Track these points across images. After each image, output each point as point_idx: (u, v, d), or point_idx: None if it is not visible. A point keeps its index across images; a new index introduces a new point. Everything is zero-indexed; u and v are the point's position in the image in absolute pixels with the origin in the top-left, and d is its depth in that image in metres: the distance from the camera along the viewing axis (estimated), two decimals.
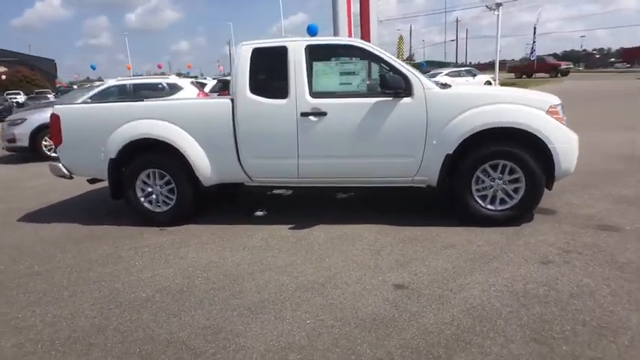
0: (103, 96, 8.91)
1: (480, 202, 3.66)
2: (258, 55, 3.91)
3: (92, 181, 4.72)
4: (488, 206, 3.66)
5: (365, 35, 27.09)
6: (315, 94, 3.75)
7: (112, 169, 4.14)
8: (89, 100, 8.64)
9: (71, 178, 4.50)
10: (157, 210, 4.21)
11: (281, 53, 3.86)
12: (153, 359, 2.16)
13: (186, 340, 2.29)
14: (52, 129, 4.36)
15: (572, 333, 2.15)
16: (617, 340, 2.07)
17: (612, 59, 63.30)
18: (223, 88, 12.43)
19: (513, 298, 2.51)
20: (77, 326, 2.49)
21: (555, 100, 3.62)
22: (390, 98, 3.63)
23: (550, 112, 3.52)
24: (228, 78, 12.78)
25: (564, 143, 3.47)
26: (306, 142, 3.78)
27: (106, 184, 4.31)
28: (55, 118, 4.27)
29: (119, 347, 2.27)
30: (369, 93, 3.76)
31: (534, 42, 31.23)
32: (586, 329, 2.17)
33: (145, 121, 4.06)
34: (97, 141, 4.15)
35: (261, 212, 4.47)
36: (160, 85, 9.89)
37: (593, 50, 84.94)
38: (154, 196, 4.19)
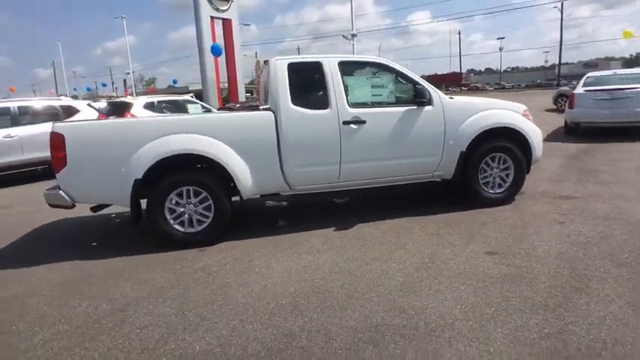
0: None
1: (485, 188, 4.59)
2: (293, 69, 4.10)
3: (96, 208, 4.07)
4: (490, 191, 4.61)
5: (230, 61, 27.15)
6: (352, 105, 4.15)
7: (136, 191, 3.73)
8: None
9: (73, 207, 3.82)
10: (190, 230, 3.92)
11: (316, 68, 4.16)
12: (380, 344, 2.29)
13: (382, 323, 2.46)
14: (52, 150, 3.66)
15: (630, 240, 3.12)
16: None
17: None
18: (115, 110, 11.20)
19: (580, 243, 3.43)
20: (259, 339, 2.38)
21: (524, 106, 4.83)
22: (415, 107, 4.29)
23: (524, 114, 4.70)
24: (118, 100, 11.61)
25: (536, 137, 4.66)
26: (348, 148, 4.13)
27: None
28: (56, 137, 3.62)
29: (335, 344, 2.30)
30: (397, 103, 4.35)
31: None
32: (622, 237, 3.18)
33: (180, 136, 3.80)
34: (115, 161, 3.70)
35: (284, 222, 4.56)
36: (50, 108, 8.48)
37: None
38: (186, 216, 3.90)
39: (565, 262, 3.14)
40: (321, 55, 4.27)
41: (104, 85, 58.33)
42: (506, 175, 4.62)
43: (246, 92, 29.05)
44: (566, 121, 9.34)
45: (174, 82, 48.91)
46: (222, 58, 25.12)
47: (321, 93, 4.12)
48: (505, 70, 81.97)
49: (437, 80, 62.91)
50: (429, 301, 2.68)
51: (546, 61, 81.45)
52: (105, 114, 11.00)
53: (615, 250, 3.30)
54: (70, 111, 8.70)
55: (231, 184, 3.95)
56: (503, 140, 4.52)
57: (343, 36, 24.00)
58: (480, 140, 4.42)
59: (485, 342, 2.23)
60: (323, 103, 4.09)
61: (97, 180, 3.75)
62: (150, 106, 11.27)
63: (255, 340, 2.36)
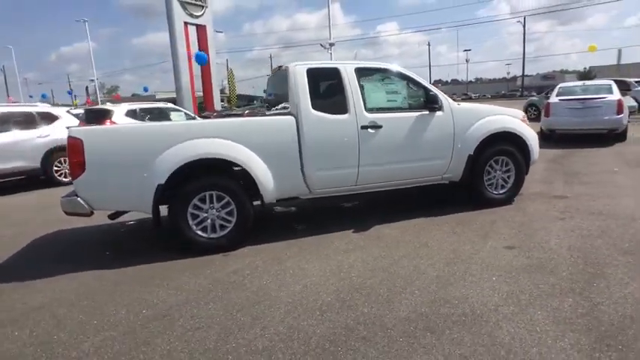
0: None
1: (489, 189, 4.85)
2: (311, 75, 4.22)
3: (114, 215, 3.99)
4: (494, 192, 4.88)
5: (205, 69, 26.89)
6: (369, 110, 4.31)
7: (158, 197, 3.71)
8: None
9: (90, 215, 3.74)
10: (213, 236, 3.92)
11: (333, 74, 4.30)
12: (436, 331, 2.41)
13: (431, 313, 2.59)
14: (70, 156, 3.58)
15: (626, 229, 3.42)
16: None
17: None
18: (93, 118, 10.85)
19: (585, 236, 3.71)
20: (318, 333, 2.45)
21: (522, 112, 5.15)
22: (427, 112, 4.51)
23: (522, 119, 5.01)
24: (96, 107, 11.29)
25: (534, 140, 4.99)
26: (366, 152, 4.28)
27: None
28: (75, 142, 3.55)
29: (393, 333, 2.41)
30: (410, 108, 4.54)
31: None
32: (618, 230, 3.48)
33: (203, 141, 3.82)
34: (136, 166, 3.67)
35: (301, 226, 4.64)
36: (26, 115, 8.14)
37: None
38: (208, 221, 3.90)
39: (577, 252, 3.40)
40: (337, 62, 4.42)
41: (70, 92, 55.90)
42: (508, 177, 4.91)
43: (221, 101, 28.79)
44: (541, 129, 9.91)
45: (146, 89, 47.90)
46: (196, 66, 24.98)
47: (339, 98, 4.25)
48: (470, 81, 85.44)
49: None
50: (468, 291, 2.84)
51: (508, 73, 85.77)
52: (84, 121, 10.68)
53: (616, 241, 3.59)
54: (48, 118, 8.40)
55: (253, 189, 3.99)
56: (506, 144, 4.81)
57: (321, 45, 24.40)
58: (486, 144, 4.68)
59: (530, 323, 2.41)
60: (342, 108, 4.23)
61: (117, 186, 3.70)
62: (132, 114, 11.04)
63: (316, 335, 2.43)
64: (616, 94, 9.20)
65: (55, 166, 8.27)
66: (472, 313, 2.56)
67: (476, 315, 2.54)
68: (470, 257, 3.43)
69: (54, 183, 8.12)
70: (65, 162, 8.06)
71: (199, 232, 3.88)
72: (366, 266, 3.38)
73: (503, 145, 4.80)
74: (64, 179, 8.17)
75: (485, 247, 3.65)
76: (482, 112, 4.81)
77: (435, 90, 4.58)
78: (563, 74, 69.82)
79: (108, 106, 11.50)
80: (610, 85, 9.76)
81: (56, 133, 7.91)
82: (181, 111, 12.86)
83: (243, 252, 3.90)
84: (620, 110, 8.85)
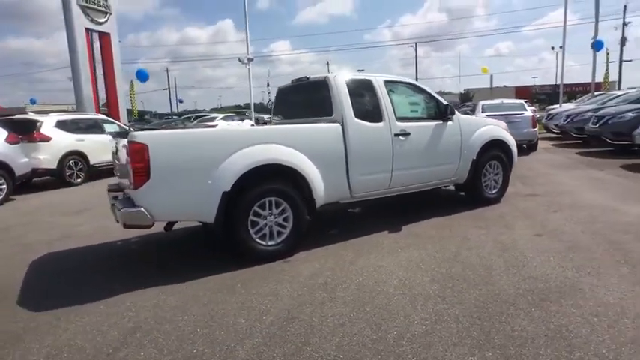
0: None
1: (486, 190, 5.56)
2: (349, 85, 4.46)
3: (170, 226, 3.68)
4: (489, 192, 5.60)
5: (110, 79, 25.10)
6: (398, 119, 4.69)
7: (224, 204, 3.59)
8: None
9: (151, 226, 3.44)
10: (271, 243, 3.89)
11: (367, 85, 4.61)
12: (543, 305, 2.83)
13: (530, 289, 3.01)
14: (134, 163, 3.27)
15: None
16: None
17: None
18: (16, 129, 9.41)
19: (584, 223, 4.50)
20: (456, 314, 2.70)
21: (504, 123, 6.01)
22: (441, 122, 5.05)
23: (505, 129, 5.86)
24: (21, 117, 9.82)
25: (514, 147, 5.87)
26: (398, 158, 4.64)
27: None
28: (139, 148, 3.28)
29: (512, 309, 2.76)
30: (428, 118, 5.04)
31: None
32: (602, 216, 4.37)
33: (264, 147, 3.81)
34: (201, 173, 3.54)
35: (334, 231, 4.79)
36: None
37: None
38: (267, 229, 3.86)
39: (592, 234, 4.13)
40: (368, 74, 4.74)
41: None
42: (498, 179, 5.69)
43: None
44: None
45: (33, 101, 42.19)
46: (99, 75, 23.07)
47: (374, 107, 4.56)
48: None
49: None
50: (541, 269, 3.34)
51: None
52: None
53: (611, 224, 4.43)
54: None
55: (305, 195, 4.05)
56: (497, 150, 5.59)
57: (239, 59, 24.07)
58: (483, 150, 5.39)
59: (611, 288, 2.95)
60: (377, 116, 4.54)
61: (181, 194, 3.49)
62: (62, 125, 9.88)
63: (457, 315, 2.67)
64: (529, 111, 11.03)
65: None
66: (562, 285, 3.04)
67: (567, 286, 3.02)
68: (514, 244, 3.98)
69: None
70: None
71: (258, 240, 3.82)
72: (435, 259, 3.70)
73: (495, 151, 5.57)
74: None
75: (517, 235, 4.24)
76: (479, 122, 5.54)
77: (446, 102, 5.16)
78: (444, 94, 79.23)
79: (32, 116, 10.03)
80: (522, 103, 11.66)
81: None
82: (114, 123, 11.84)
83: (300, 257, 3.93)
84: (534, 124, 10.64)
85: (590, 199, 5.58)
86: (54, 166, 9.39)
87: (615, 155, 9.61)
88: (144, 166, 3.29)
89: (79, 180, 9.79)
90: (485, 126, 5.52)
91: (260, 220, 3.82)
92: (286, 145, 3.92)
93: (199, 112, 40.78)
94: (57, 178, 9.55)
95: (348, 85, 4.43)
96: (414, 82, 5.15)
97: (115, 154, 4.05)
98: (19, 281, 3.69)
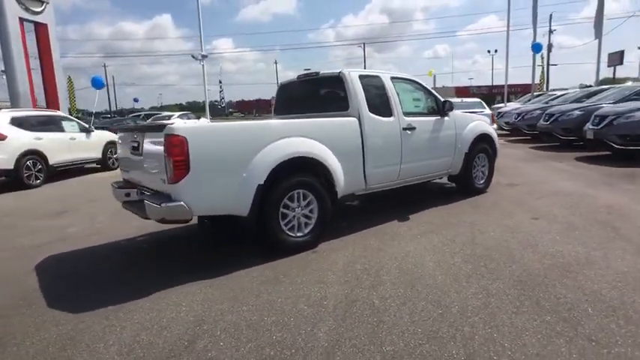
0: None
1: (475, 181, 5.98)
2: (362, 80, 4.63)
3: (203, 221, 3.61)
4: (478, 183, 6.03)
5: (48, 73, 23.69)
6: (405, 114, 4.93)
7: (259, 197, 3.62)
8: None
9: (189, 221, 3.38)
10: (299, 234, 3.97)
11: (377, 80, 4.80)
12: (570, 269, 3.18)
13: (552, 264, 3.36)
14: (174, 156, 3.19)
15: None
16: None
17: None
18: None
19: (572, 207, 5.00)
20: (503, 289, 2.96)
21: (488, 119, 6.48)
22: (440, 117, 5.37)
23: (489, 124, 6.33)
24: None
25: (497, 140, 6.35)
26: (406, 151, 4.88)
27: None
28: (178, 141, 3.22)
29: (547, 280, 3.08)
30: (429, 113, 5.33)
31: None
32: (583, 201, 4.94)
33: (294, 139, 3.88)
34: (237, 166, 3.55)
35: (345, 223, 4.94)
36: None
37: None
38: (295, 221, 3.93)
39: (581, 216, 4.62)
40: (376, 70, 4.93)
41: None
42: (485, 170, 6.14)
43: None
44: None
45: None
46: (37, 70, 21.45)
47: (384, 102, 4.76)
48: None
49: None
50: (554, 247, 3.71)
51: None
52: None
53: (593, 207, 4.96)
54: None
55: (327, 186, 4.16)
56: (484, 143, 6.03)
57: (192, 56, 23.33)
58: (474, 144, 5.80)
59: (620, 259, 3.37)
60: (387, 111, 4.75)
61: (218, 188, 3.47)
62: (17, 122, 9.13)
63: (503, 289, 2.92)
64: (487, 109, 11.87)
65: None
66: (579, 259, 3.43)
67: (584, 260, 3.40)
68: (518, 227, 4.36)
69: None
70: None
71: (288, 232, 3.88)
72: (456, 243, 3.96)
73: (483, 144, 6.01)
74: None
75: (518, 220, 4.64)
76: (469, 118, 5.94)
77: (443, 99, 5.50)
78: None
79: None
80: (480, 101, 12.51)
81: None
82: (74, 120, 11.10)
83: (325, 248, 4.03)
84: (493, 121, 11.46)
85: (564, 187, 6.19)
86: (11, 166, 8.64)
87: (564, 149, 10.64)
88: (183, 160, 3.23)
89: (37, 181, 9.09)
90: (474, 121, 5.94)
91: (289, 212, 3.88)
92: (313, 139, 4.01)
93: (139, 112, 39.02)
94: (13, 179, 8.80)
95: (360, 81, 4.60)
96: (415, 78, 5.43)
97: (134, 149, 3.90)
98: (34, 287, 3.45)
